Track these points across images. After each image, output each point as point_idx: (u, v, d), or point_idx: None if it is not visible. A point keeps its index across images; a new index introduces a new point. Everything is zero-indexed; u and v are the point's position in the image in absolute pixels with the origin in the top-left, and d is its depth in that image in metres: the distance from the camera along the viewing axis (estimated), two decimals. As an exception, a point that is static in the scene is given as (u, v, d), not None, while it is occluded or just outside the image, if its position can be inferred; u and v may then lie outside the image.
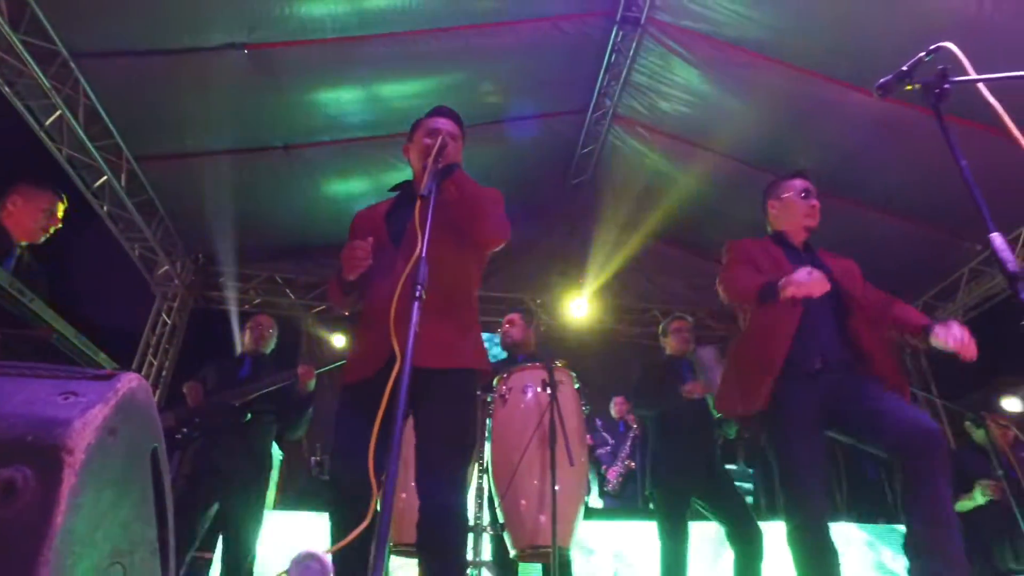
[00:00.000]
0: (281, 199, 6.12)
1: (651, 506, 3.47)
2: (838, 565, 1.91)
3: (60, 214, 2.67)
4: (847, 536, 4.27)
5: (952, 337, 1.93)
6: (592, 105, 6.05)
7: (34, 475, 0.54)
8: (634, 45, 5.37)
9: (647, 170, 6.43)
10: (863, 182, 5.67)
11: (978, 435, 3.32)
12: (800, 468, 1.99)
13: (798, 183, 2.39)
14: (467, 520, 1.77)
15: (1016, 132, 1.26)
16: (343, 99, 5.26)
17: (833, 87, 4.81)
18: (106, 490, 0.63)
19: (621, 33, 5.32)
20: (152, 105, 4.84)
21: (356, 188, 6.13)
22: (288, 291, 7.17)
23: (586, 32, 5.32)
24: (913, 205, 5.88)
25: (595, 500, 5.52)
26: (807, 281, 1.89)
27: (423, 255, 1.43)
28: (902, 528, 1.87)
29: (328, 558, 0.83)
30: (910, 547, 1.78)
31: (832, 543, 1.92)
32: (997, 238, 1.25)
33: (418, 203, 1.58)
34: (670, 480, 3.23)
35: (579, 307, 7.28)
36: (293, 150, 5.57)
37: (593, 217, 7.04)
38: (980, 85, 1.34)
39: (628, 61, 5.51)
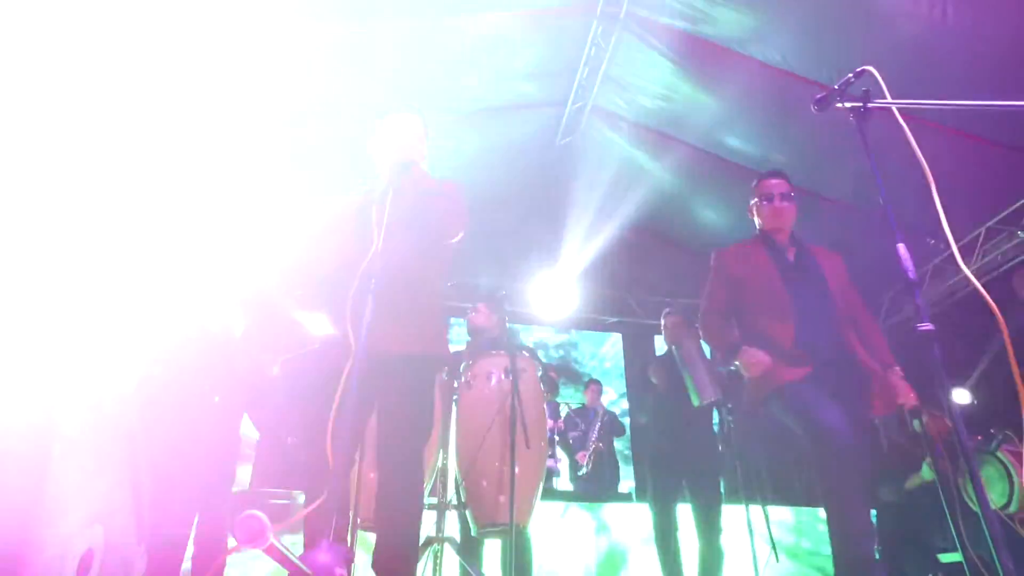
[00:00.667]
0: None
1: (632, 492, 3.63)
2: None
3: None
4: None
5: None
6: (571, 97, 6.14)
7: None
8: (613, 39, 5.46)
9: (624, 161, 6.56)
10: (831, 179, 5.84)
11: (915, 425, 3.51)
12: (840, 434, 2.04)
13: (764, 186, 2.51)
14: (423, 497, 1.89)
15: (920, 156, 1.40)
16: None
17: (803, 85, 4.95)
18: (90, 459, 0.74)
19: (600, 27, 5.40)
20: None
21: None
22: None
23: (566, 25, 5.39)
24: (878, 204, 6.06)
25: (567, 484, 5.70)
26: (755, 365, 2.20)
27: (378, 250, 1.54)
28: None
29: (265, 517, 0.94)
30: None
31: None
32: (902, 248, 1.39)
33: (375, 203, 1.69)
34: (662, 465, 3.41)
35: (557, 295, 7.43)
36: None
37: (571, 207, 7.17)
38: (893, 109, 1.48)
39: (607, 55, 5.60)
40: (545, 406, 2.82)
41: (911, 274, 1.36)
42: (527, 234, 7.69)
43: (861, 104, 1.53)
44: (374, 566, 1.63)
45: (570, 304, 7.49)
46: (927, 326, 1.30)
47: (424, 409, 1.88)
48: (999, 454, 2.92)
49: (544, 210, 7.48)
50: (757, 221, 2.56)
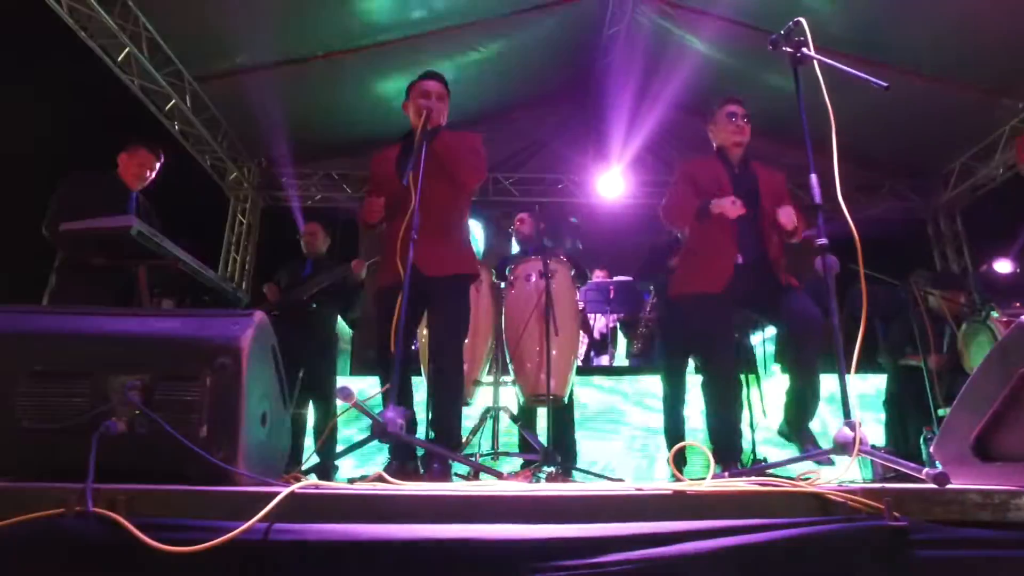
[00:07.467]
0: (327, 103, 6.66)
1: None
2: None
3: (156, 167, 3.38)
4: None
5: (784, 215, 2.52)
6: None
7: (232, 361, 1.27)
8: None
9: (670, 44, 6.50)
10: (890, 43, 5.59)
11: (930, 301, 3.73)
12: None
13: (727, 108, 2.75)
14: (462, 368, 2.51)
15: (827, 99, 1.68)
16: (374, 6, 5.58)
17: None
18: (257, 367, 1.36)
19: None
20: (203, 29, 5.34)
21: (392, 87, 6.54)
22: (344, 186, 7.90)
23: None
24: (944, 65, 5.80)
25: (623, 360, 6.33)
26: (729, 208, 2.49)
27: (416, 207, 2.08)
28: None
29: (351, 388, 1.58)
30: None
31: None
32: (814, 178, 1.74)
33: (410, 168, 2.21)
34: (672, 339, 3.89)
35: (611, 183, 7.73)
36: (333, 58, 6.00)
37: (622, 95, 7.22)
38: (815, 62, 1.75)
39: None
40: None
41: (817, 199, 1.73)
42: (579, 125, 7.90)
43: (796, 51, 1.81)
44: (431, 424, 2.33)
45: (622, 191, 7.77)
46: (823, 241, 1.69)
47: (464, 314, 2.48)
48: (989, 323, 3.19)
49: (594, 100, 7.59)
50: (715, 141, 2.80)
